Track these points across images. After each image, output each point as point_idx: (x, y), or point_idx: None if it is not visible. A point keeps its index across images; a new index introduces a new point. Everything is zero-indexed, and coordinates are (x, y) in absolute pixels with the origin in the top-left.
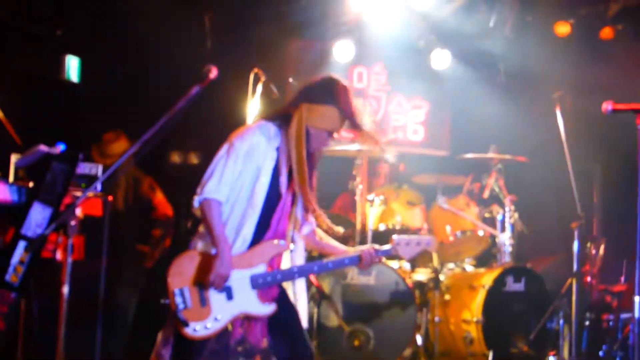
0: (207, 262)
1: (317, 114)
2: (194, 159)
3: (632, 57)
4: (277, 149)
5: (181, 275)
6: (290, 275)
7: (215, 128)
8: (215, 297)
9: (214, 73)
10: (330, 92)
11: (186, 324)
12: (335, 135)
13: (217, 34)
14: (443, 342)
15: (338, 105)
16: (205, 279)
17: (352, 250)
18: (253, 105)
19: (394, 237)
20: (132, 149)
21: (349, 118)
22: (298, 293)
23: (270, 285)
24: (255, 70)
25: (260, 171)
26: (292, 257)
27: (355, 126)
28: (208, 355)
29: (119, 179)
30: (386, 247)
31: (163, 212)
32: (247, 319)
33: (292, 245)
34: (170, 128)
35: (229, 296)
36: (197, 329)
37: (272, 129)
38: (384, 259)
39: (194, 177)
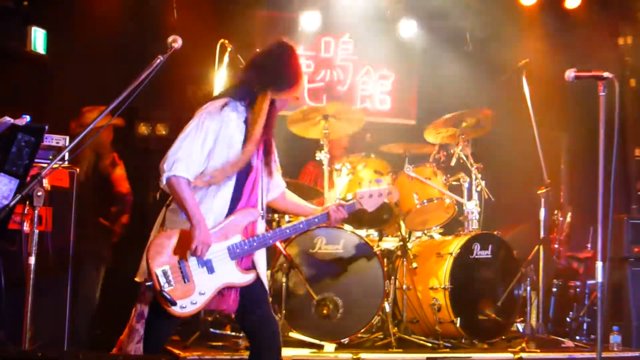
0: (185, 238)
1: (282, 91)
2: (161, 130)
3: (597, 26)
4: (245, 122)
5: (161, 255)
6: (265, 241)
7: (182, 99)
8: (197, 273)
9: (178, 43)
10: (292, 70)
11: (173, 303)
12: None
13: (184, 5)
14: (411, 310)
15: (299, 79)
16: (186, 254)
17: (319, 209)
18: (220, 76)
19: (357, 191)
20: (97, 121)
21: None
22: (257, 261)
23: (248, 253)
24: (222, 40)
25: (232, 145)
26: (259, 223)
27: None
28: (180, 327)
29: (85, 152)
30: (351, 201)
31: (118, 189)
32: (221, 290)
33: (262, 212)
34: (137, 99)
35: (210, 270)
36: (185, 305)
37: (240, 105)
38: (351, 228)
39: (162, 148)
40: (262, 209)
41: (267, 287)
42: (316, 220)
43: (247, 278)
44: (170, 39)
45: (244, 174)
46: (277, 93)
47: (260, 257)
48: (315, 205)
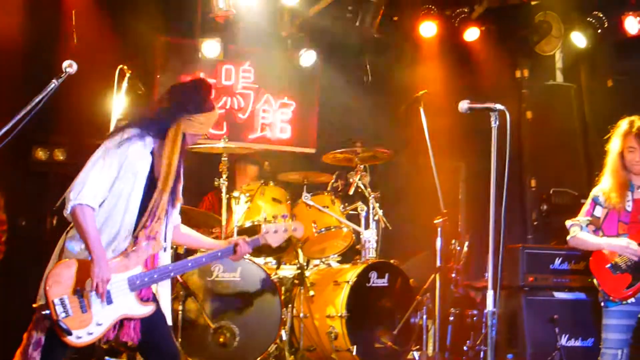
0: (84, 269)
1: (195, 123)
2: (59, 155)
3: (495, 59)
4: (152, 153)
5: (59, 284)
6: (166, 273)
7: (80, 124)
8: (95, 303)
9: (73, 68)
10: (205, 100)
11: (69, 333)
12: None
13: (84, 29)
14: (308, 338)
15: (212, 110)
16: (85, 285)
17: (223, 243)
18: (118, 101)
19: (263, 226)
20: None
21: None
22: (161, 291)
23: (148, 285)
24: (121, 66)
25: (136, 176)
26: (162, 256)
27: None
28: (75, 354)
29: None
30: (256, 236)
31: None
32: (121, 320)
33: (164, 244)
34: (34, 124)
35: (109, 300)
36: (80, 335)
37: (147, 136)
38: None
39: (60, 173)
40: (166, 240)
41: (170, 319)
42: (219, 254)
43: (145, 310)
44: (65, 64)
45: (147, 204)
46: (190, 127)
47: (164, 289)
48: (212, 240)
